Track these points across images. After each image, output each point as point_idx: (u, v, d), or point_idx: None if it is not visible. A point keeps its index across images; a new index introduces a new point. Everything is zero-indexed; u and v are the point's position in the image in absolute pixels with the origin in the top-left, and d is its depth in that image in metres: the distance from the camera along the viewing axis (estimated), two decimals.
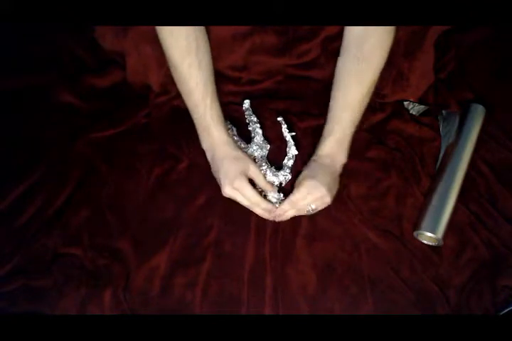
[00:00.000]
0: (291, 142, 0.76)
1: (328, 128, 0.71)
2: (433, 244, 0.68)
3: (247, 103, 0.81)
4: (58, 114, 0.80)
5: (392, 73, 0.81)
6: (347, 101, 0.71)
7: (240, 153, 0.70)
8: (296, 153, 0.75)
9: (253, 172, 0.69)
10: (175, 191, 0.73)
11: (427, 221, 0.68)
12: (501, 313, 0.62)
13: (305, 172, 0.69)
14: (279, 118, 0.79)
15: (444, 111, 0.80)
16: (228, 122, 0.79)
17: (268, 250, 0.67)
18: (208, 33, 0.74)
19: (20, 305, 0.62)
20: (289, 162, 0.75)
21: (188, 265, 0.66)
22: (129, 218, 0.70)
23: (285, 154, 0.76)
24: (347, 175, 0.73)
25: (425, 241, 0.68)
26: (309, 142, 0.77)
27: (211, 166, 0.72)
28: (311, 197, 0.66)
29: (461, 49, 0.88)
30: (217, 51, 0.76)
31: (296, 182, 0.69)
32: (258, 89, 0.83)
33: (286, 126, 0.78)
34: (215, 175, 0.71)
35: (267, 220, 0.69)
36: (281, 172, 0.73)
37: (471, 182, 0.73)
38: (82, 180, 0.74)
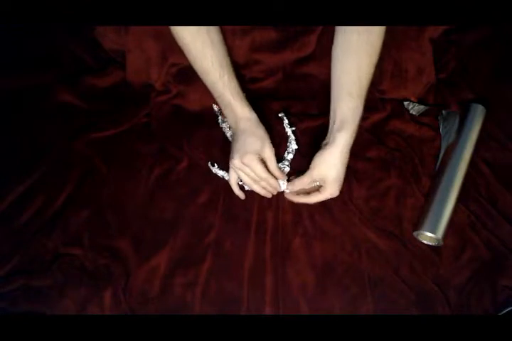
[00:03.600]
0: (292, 137, 0.77)
1: (338, 98, 0.70)
2: (433, 244, 0.68)
3: None
4: (58, 114, 0.80)
5: (389, 67, 0.82)
6: (356, 73, 0.69)
7: (261, 132, 0.70)
8: (296, 147, 0.76)
9: (267, 154, 0.70)
10: (175, 191, 0.73)
11: (427, 221, 0.68)
12: (501, 313, 0.62)
13: (321, 168, 0.68)
14: (281, 114, 0.80)
15: (444, 111, 0.80)
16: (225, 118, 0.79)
17: (268, 250, 0.67)
18: None
19: (20, 305, 0.62)
20: (288, 156, 0.76)
21: (188, 265, 0.66)
22: (129, 218, 0.70)
23: (283, 151, 0.76)
24: (347, 175, 0.73)
25: (425, 241, 0.68)
26: (308, 142, 0.77)
27: (232, 139, 0.72)
28: (328, 196, 0.69)
29: (461, 49, 0.88)
30: None
31: (314, 173, 0.69)
32: (259, 87, 0.83)
33: (287, 121, 0.79)
34: (232, 145, 0.71)
35: (268, 220, 0.69)
36: (280, 164, 0.74)
37: (471, 182, 0.73)
38: (82, 180, 0.73)
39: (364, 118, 0.79)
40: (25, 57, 0.86)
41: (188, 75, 0.80)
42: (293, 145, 0.77)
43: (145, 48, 0.80)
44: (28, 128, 0.78)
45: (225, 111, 0.73)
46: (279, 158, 0.75)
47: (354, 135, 0.68)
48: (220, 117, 0.80)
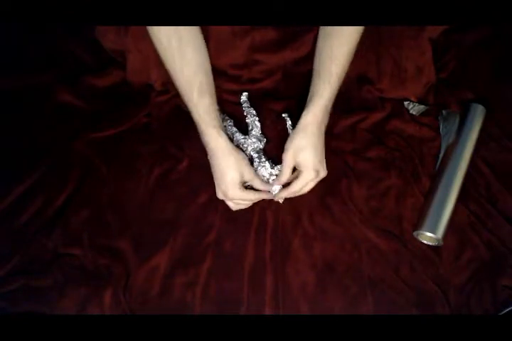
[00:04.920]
0: None
1: (317, 88, 0.69)
2: (433, 244, 0.68)
3: (244, 95, 0.82)
4: (58, 114, 0.80)
5: (388, 66, 0.82)
6: (334, 54, 0.69)
7: (234, 157, 0.68)
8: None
9: (248, 177, 0.69)
10: (175, 191, 0.73)
11: (427, 221, 0.68)
12: (501, 313, 0.62)
13: (302, 156, 0.67)
14: (284, 115, 0.79)
15: (444, 111, 0.81)
16: (225, 115, 0.79)
17: (268, 250, 0.67)
18: (208, 29, 0.74)
19: (20, 305, 0.62)
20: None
21: (188, 265, 0.66)
22: (129, 218, 0.70)
23: (281, 151, 0.75)
24: (347, 175, 0.74)
25: (425, 241, 0.68)
26: None
27: (212, 167, 0.71)
28: (312, 184, 0.69)
29: (461, 49, 0.88)
30: (217, 48, 0.76)
31: (288, 158, 0.68)
32: (258, 88, 0.83)
33: (290, 122, 0.78)
34: (213, 174, 0.70)
35: (268, 220, 0.69)
36: (279, 166, 0.73)
37: (471, 182, 0.73)
38: (82, 180, 0.74)
39: (364, 118, 0.80)
40: (25, 57, 0.86)
41: None
42: None
43: (145, 48, 0.79)
44: (28, 128, 0.78)
45: (197, 129, 0.70)
46: (278, 160, 0.75)
47: (320, 114, 0.67)
48: (225, 123, 0.78)
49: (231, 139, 0.71)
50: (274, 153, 0.76)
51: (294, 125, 0.77)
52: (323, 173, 0.68)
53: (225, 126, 0.76)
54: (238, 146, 0.76)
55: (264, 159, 0.73)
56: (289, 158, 0.67)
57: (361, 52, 0.74)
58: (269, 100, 0.82)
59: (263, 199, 0.71)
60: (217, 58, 0.76)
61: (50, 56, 0.86)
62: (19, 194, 0.71)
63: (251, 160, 0.74)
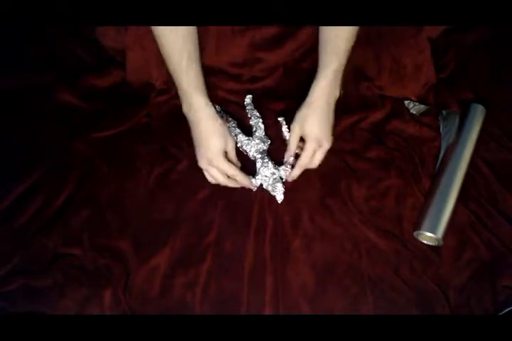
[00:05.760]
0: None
1: (324, 60, 0.71)
2: (433, 244, 0.68)
3: (248, 98, 0.82)
4: (58, 114, 0.80)
5: (387, 62, 0.82)
6: (339, 30, 0.70)
7: (219, 126, 0.71)
8: (297, 151, 0.75)
9: (229, 147, 0.72)
10: (175, 191, 0.73)
11: (427, 221, 0.68)
12: (501, 313, 0.62)
13: (307, 127, 0.71)
14: (280, 119, 0.79)
15: (444, 111, 0.81)
16: (228, 115, 0.79)
17: (268, 250, 0.67)
18: (208, 27, 0.74)
19: (20, 305, 0.62)
20: (290, 159, 0.75)
21: (188, 265, 0.66)
22: (129, 218, 0.70)
23: (282, 154, 0.75)
24: (347, 175, 0.74)
25: (425, 242, 0.68)
26: None
27: (191, 130, 0.73)
28: (319, 156, 0.71)
29: (461, 49, 0.88)
30: (217, 46, 0.76)
31: (294, 128, 0.72)
32: (259, 87, 0.83)
33: (286, 126, 0.78)
34: (194, 143, 0.72)
35: (268, 220, 0.69)
36: (283, 167, 0.74)
37: (471, 182, 0.73)
38: (82, 180, 0.74)
39: (363, 118, 0.80)
40: (25, 57, 0.86)
41: None
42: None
43: (145, 48, 0.80)
44: (28, 128, 0.78)
45: (183, 104, 0.72)
46: (280, 162, 0.75)
47: (328, 87, 0.70)
48: (229, 124, 0.78)
49: (235, 141, 0.74)
50: (274, 154, 0.76)
51: (288, 128, 0.77)
52: (326, 144, 0.71)
53: (228, 127, 0.77)
54: (241, 147, 0.77)
55: (267, 159, 0.74)
56: (295, 129, 0.72)
57: (360, 49, 0.75)
58: (270, 100, 0.82)
59: (263, 200, 0.71)
60: (217, 57, 0.76)
61: (50, 56, 0.86)
62: (19, 194, 0.71)
63: (254, 161, 0.74)
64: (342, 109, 0.77)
